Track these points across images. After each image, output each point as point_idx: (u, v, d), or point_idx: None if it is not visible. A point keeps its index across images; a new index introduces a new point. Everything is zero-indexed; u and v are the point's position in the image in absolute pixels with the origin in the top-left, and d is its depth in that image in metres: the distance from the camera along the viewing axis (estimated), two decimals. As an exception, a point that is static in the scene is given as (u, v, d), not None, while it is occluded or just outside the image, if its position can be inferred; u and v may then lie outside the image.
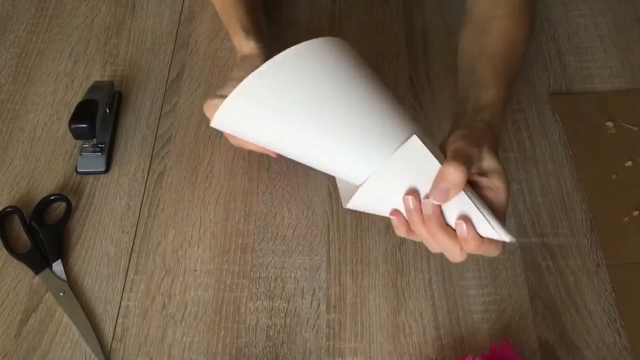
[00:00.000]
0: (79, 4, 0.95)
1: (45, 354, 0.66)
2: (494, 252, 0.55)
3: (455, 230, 0.54)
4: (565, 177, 0.77)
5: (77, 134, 0.75)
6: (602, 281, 0.69)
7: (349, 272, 0.71)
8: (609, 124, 0.80)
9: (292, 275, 0.71)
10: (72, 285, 0.70)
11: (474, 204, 0.53)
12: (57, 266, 0.71)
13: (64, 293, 0.69)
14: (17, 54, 0.90)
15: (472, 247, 0.54)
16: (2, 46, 0.91)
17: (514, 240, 0.54)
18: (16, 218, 0.75)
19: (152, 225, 0.75)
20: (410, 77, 0.85)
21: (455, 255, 0.55)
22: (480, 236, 0.54)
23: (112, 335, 0.67)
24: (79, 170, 0.78)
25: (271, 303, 0.69)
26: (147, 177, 0.78)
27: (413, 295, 0.69)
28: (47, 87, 0.86)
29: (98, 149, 0.78)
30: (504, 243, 0.55)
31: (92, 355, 0.66)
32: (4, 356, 0.66)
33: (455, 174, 0.52)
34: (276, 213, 0.75)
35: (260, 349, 0.66)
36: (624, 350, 0.65)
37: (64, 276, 0.71)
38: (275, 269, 0.71)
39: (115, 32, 0.92)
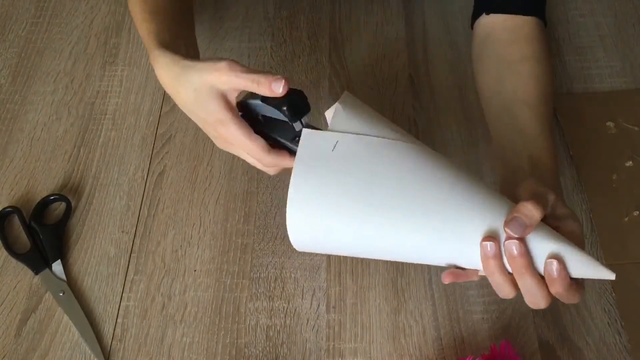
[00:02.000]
0: (79, 4, 0.95)
1: (45, 354, 0.66)
2: (576, 297, 0.51)
3: (538, 274, 0.50)
4: (565, 177, 0.76)
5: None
6: (602, 281, 0.69)
7: (349, 272, 0.71)
8: (609, 124, 0.80)
9: (292, 275, 0.71)
10: (72, 285, 0.70)
11: (565, 242, 0.50)
12: (57, 266, 0.71)
13: (63, 293, 0.69)
14: (17, 54, 0.90)
15: (560, 289, 0.50)
16: (2, 46, 0.90)
17: (613, 276, 0.49)
18: (16, 218, 0.75)
19: (151, 225, 0.75)
20: (410, 77, 0.85)
21: (538, 299, 0.51)
22: (569, 277, 0.50)
23: (111, 335, 0.67)
24: None
25: (271, 303, 0.69)
26: (147, 177, 0.78)
27: (413, 296, 0.69)
28: (47, 87, 0.86)
29: None
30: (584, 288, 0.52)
31: (92, 356, 0.66)
32: (4, 356, 0.66)
33: (534, 210, 0.50)
34: (276, 213, 0.75)
35: (260, 349, 0.66)
36: (624, 350, 0.65)
37: (63, 276, 0.71)
38: (275, 269, 0.71)
39: (115, 32, 0.92)
